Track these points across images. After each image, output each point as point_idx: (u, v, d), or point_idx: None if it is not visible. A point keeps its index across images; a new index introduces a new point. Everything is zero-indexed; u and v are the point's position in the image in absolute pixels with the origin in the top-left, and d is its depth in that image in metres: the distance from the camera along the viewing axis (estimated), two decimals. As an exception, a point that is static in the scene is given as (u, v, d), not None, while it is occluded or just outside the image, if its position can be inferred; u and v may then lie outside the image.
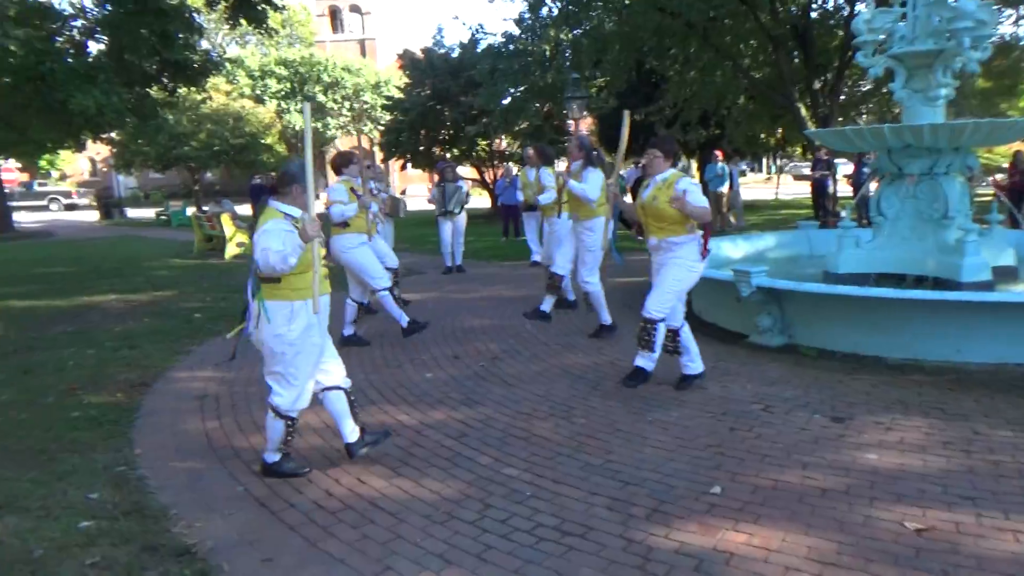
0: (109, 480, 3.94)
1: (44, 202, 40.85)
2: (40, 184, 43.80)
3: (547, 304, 7.12)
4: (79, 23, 12.59)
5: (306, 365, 3.84)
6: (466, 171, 24.13)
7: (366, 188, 6.44)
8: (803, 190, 23.08)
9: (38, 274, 13.47)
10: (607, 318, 6.79)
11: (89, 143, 14.34)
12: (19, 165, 29.38)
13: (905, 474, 3.68)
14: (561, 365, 5.95)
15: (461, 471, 3.96)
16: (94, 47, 12.38)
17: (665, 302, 4.93)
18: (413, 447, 4.33)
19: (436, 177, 12.26)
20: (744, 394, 5.01)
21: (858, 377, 5.27)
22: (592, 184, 6.51)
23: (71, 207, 41.85)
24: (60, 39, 12.05)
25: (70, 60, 10.25)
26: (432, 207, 11.85)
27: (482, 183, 25.34)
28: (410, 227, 17.94)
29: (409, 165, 25.26)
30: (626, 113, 5.43)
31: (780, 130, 23.78)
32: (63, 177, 54.17)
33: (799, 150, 29.74)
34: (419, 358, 6.33)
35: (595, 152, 6.75)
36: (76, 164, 54.54)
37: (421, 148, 23.73)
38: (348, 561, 3.07)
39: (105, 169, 52.02)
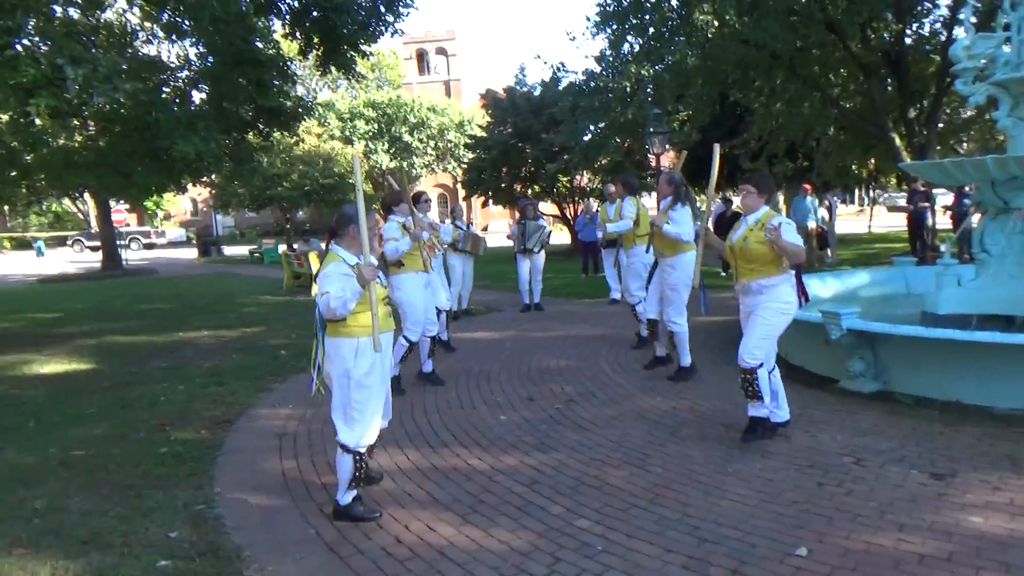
0: (188, 518, 4.04)
1: (125, 242, 43.45)
2: (124, 225, 46.72)
3: (662, 349, 7.00)
4: (184, 74, 13.43)
5: (369, 401, 3.93)
6: (546, 207, 24.25)
7: (418, 221, 6.53)
8: (898, 222, 22.08)
9: (140, 310, 14.25)
10: (687, 360, 6.58)
11: (190, 185, 15.16)
12: (127, 207, 31.36)
13: (1016, 540, 3.35)
14: (637, 409, 5.78)
15: (532, 520, 3.86)
16: (196, 96, 13.16)
17: (759, 347, 4.68)
18: (484, 493, 4.26)
19: (517, 214, 12.29)
20: (833, 445, 4.72)
21: (961, 429, 4.89)
22: (684, 224, 6.30)
23: (149, 246, 44.49)
24: (167, 90, 12.86)
25: (175, 109, 10.88)
26: (511, 243, 11.89)
27: (562, 219, 25.39)
28: (490, 263, 18.07)
29: (490, 202, 25.59)
30: (715, 147, 5.28)
31: (872, 160, 22.88)
32: (167, 217, 57.66)
33: (893, 180, 28.52)
34: (493, 399, 6.29)
35: (685, 188, 6.57)
36: (180, 204, 57.93)
37: (502, 185, 24.04)
38: (413, 614, 3.01)
39: (205, 209, 55.01)
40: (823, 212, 16.65)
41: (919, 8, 16.47)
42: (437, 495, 4.26)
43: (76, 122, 12.14)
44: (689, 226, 6.25)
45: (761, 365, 4.67)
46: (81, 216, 47.50)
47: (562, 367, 7.35)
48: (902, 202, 25.50)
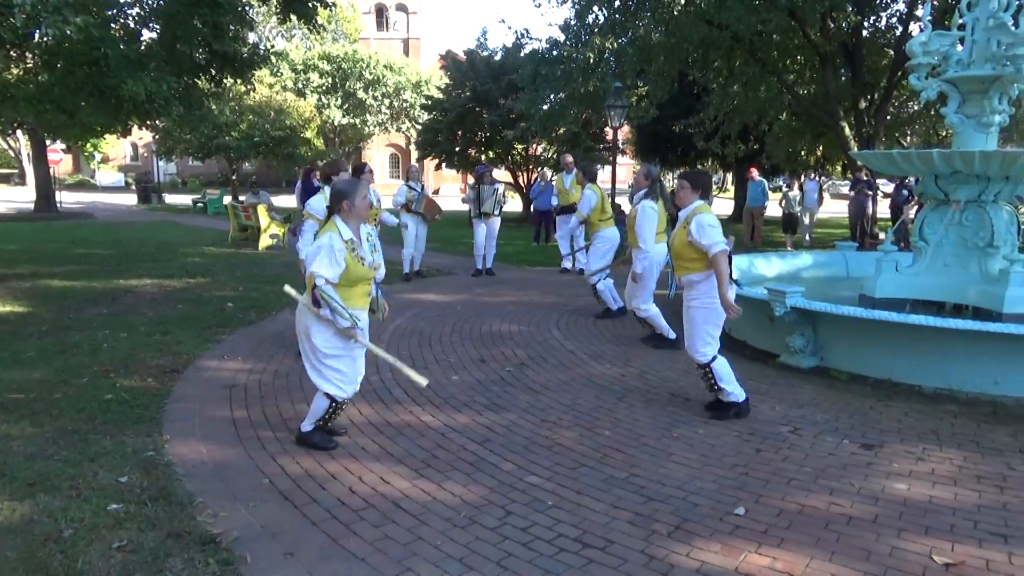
0: (138, 464, 4.01)
1: None
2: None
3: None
4: (135, 11, 12.84)
5: (342, 361, 4.19)
6: (500, 174, 24.16)
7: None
8: (840, 209, 22.81)
9: (77, 255, 13.78)
10: (670, 333, 6.77)
11: (135, 128, 14.57)
12: (63, 147, 30.00)
13: (935, 506, 3.61)
14: (588, 375, 5.92)
15: (484, 476, 3.96)
16: (146, 35, 12.61)
17: (705, 343, 4.80)
18: (437, 449, 4.34)
19: (471, 179, 12.26)
20: (772, 415, 4.94)
21: (891, 404, 5.18)
22: (648, 228, 6.56)
23: None
24: (115, 26, 12.27)
25: (123, 47, 10.42)
26: (466, 207, 11.87)
27: (515, 187, 25.37)
28: (443, 227, 18.02)
29: (443, 165, 25.37)
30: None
31: (820, 147, 23.49)
32: (105, 160, 55.44)
33: (838, 168, 29.32)
34: (446, 360, 6.35)
35: (660, 183, 6.81)
36: (119, 148, 55.75)
37: (457, 149, 23.84)
38: (369, 560, 3.08)
39: (146, 154, 53.11)
40: (796, 194, 16.65)
41: (878, 1, 16.87)
42: (391, 449, 4.32)
43: (12, 53, 11.52)
44: (653, 226, 6.55)
45: (715, 358, 4.82)
46: (12, 154, 45.33)
47: (513, 332, 7.45)
48: (845, 190, 26.25)
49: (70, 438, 4.37)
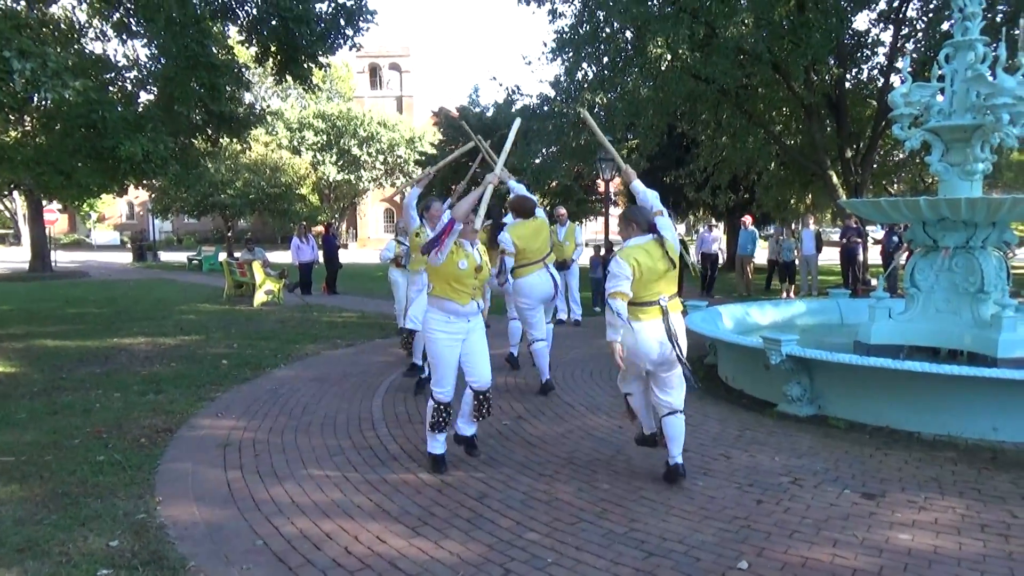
0: (129, 527, 3.93)
1: None
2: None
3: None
4: (132, 75, 13.12)
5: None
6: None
7: None
8: (831, 256, 23.04)
9: (71, 314, 13.74)
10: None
11: (131, 188, 14.74)
12: (59, 207, 30.23)
13: (940, 557, 3.55)
14: (585, 427, 5.88)
15: (482, 533, 3.90)
16: (144, 97, 12.86)
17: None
18: (434, 506, 4.28)
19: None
20: (772, 465, 4.90)
21: (890, 452, 5.13)
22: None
23: None
24: (113, 89, 12.53)
25: (120, 109, 10.63)
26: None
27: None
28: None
29: (439, 219, 25.63)
30: (517, 120, 5.58)
31: (810, 196, 23.82)
32: (101, 219, 55.82)
33: (828, 216, 29.67)
34: (442, 414, 6.29)
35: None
36: (115, 207, 56.22)
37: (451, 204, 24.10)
38: (364, 623, 3.01)
39: (142, 213, 53.50)
40: (792, 241, 16.12)
41: (859, 55, 17.35)
42: (386, 507, 4.25)
43: (11, 117, 11.71)
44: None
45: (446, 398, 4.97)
46: (8, 215, 45.68)
47: (510, 384, 7.41)
48: (835, 237, 26.50)
49: (60, 501, 4.29)
